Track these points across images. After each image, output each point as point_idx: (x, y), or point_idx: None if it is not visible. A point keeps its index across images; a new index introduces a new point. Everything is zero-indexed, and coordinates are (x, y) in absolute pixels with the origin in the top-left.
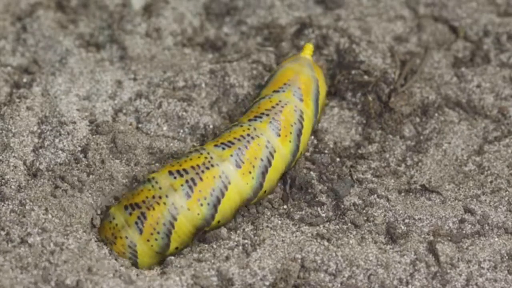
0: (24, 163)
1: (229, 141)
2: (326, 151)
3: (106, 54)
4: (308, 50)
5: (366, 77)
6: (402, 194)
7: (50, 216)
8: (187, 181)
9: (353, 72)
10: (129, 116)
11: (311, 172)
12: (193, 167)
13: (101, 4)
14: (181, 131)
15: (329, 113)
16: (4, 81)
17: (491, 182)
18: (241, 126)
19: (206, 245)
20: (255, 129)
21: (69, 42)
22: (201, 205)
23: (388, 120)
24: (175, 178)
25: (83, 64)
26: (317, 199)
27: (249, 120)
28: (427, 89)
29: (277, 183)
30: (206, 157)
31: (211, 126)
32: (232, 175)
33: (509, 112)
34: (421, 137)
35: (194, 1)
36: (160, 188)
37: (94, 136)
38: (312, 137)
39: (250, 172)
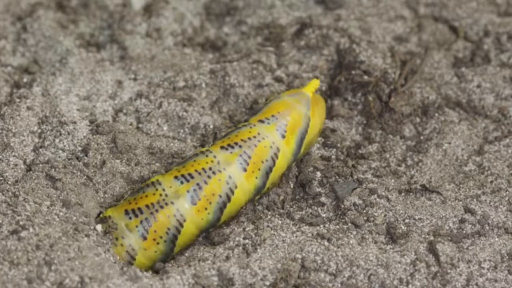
0: (25, 162)
1: (189, 174)
2: (332, 151)
3: (106, 54)
4: (312, 87)
5: (366, 77)
6: (402, 194)
7: (47, 212)
8: (141, 222)
9: (353, 72)
10: (130, 116)
11: (316, 172)
12: (147, 206)
13: (101, 4)
14: (181, 131)
15: (329, 113)
16: (4, 81)
17: (491, 182)
18: (207, 156)
19: (206, 245)
20: (219, 162)
21: (70, 42)
22: (158, 243)
23: (388, 120)
24: (130, 218)
25: (83, 64)
26: (317, 199)
27: (221, 147)
28: (427, 89)
29: (238, 211)
30: (161, 194)
31: (211, 126)
32: (186, 213)
33: (509, 112)
34: (421, 137)
35: (194, 1)
36: (116, 229)
37: (94, 136)
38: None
39: (206, 209)
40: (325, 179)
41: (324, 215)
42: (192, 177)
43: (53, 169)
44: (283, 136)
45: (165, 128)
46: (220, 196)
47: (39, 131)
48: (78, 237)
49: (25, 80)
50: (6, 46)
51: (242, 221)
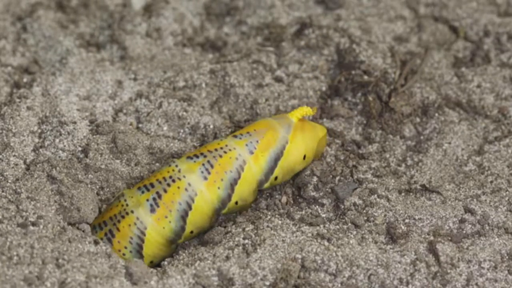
0: (25, 162)
1: (151, 183)
2: (332, 151)
3: (106, 54)
4: (298, 112)
5: (366, 77)
6: (402, 194)
7: (48, 212)
8: (106, 234)
9: (353, 72)
10: (129, 116)
11: (314, 172)
12: (111, 218)
13: (101, 4)
14: (182, 131)
15: (329, 113)
16: (4, 81)
17: (491, 182)
18: (170, 165)
19: (206, 245)
20: (180, 170)
21: (69, 42)
22: (124, 254)
23: (388, 120)
24: (96, 232)
25: (83, 64)
26: (317, 199)
27: (188, 157)
28: (427, 89)
29: (209, 222)
30: (122, 205)
31: (211, 126)
32: (146, 220)
33: (509, 112)
34: (421, 137)
35: (194, 1)
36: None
37: (94, 136)
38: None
39: (166, 217)
40: (321, 184)
41: (324, 215)
42: (152, 186)
43: (53, 169)
44: (252, 152)
45: (165, 128)
46: (180, 204)
47: (39, 131)
48: (77, 237)
49: (25, 80)
50: (6, 46)
51: (242, 221)
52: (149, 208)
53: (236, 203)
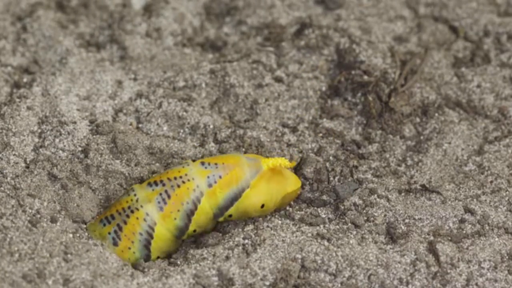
0: (25, 161)
1: (111, 215)
2: (330, 150)
3: (106, 54)
4: (271, 162)
5: (366, 77)
6: (402, 194)
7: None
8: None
9: (353, 72)
10: (129, 116)
11: (313, 172)
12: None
13: (101, 4)
14: (181, 131)
15: (329, 113)
16: (4, 81)
17: (491, 182)
18: (129, 194)
19: (206, 245)
20: (137, 200)
21: (69, 42)
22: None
23: (388, 120)
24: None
25: (83, 64)
26: (317, 199)
27: (148, 184)
28: (427, 89)
29: (175, 245)
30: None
31: (211, 126)
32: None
33: (509, 112)
34: (421, 137)
35: (194, 1)
36: None
37: (94, 136)
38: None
39: (129, 248)
40: (317, 184)
41: (324, 215)
42: (113, 218)
43: (54, 169)
44: (211, 186)
45: (165, 128)
46: (141, 234)
47: (39, 131)
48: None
49: (25, 80)
50: (6, 46)
51: (241, 221)
52: (112, 241)
53: (195, 231)
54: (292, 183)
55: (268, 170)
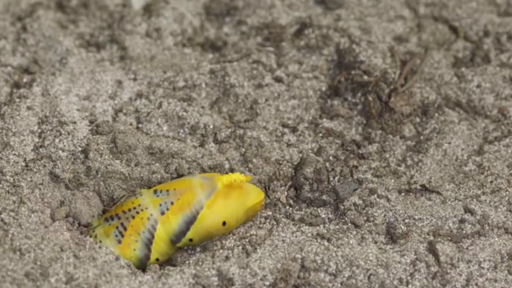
0: (24, 161)
1: None
2: (330, 150)
3: (106, 54)
4: (226, 179)
5: (366, 77)
6: (402, 194)
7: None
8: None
9: (353, 72)
10: (129, 116)
11: (313, 172)
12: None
13: (101, 4)
14: (181, 131)
15: (329, 113)
16: (4, 81)
17: (491, 182)
18: (88, 231)
19: (206, 245)
20: (96, 236)
21: (69, 42)
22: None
23: (388, 120)
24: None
25: (83, 64)
26: (317, 199)
27: (106, 219)
28: (427, 89)
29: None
30: None
31: (211, 126)
32: None
33: (509, 112)
34: (421, 137)
35: (194, 1)
36: None
37: (94, 136)
38: (317, 137)
39: None
40: (318, 183)
41: (324, 215)
42: None
43: (54, 168)
44: (163, 213)
45: (165, 128)
46: None
47: (39, 131)
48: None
49: (25, 80)
50: (6, 46)
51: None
52: None
53: (157, 259)
54: (254, 196)
55: (224, 187)
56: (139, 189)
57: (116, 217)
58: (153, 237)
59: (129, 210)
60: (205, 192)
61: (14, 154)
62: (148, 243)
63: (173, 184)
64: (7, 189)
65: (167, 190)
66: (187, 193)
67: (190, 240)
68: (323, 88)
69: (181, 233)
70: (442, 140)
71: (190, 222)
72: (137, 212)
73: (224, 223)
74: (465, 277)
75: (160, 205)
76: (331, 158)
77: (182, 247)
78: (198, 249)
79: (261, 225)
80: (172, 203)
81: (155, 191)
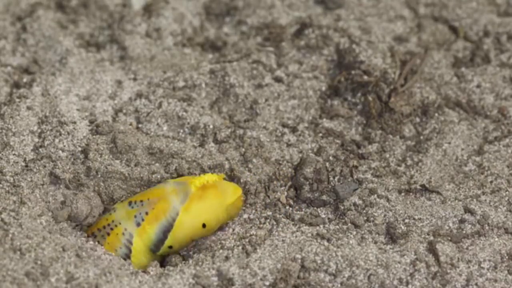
0: (24, 161)
1: None
2: (330, 150)
3: (106, 54)
4: (198, 181)
5: (366, 77)
6: (402, 194)
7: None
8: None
9: (353, 72)
10: (129, 116)
11: (313, 172)
12: None
13: (101, 4)
14: (181, 131)
15: (329, 113)
16: (4, 81)
17: (491, 182)
18: None
19: (206, 245)
20: None
21: (69, 42)
22: None
23: (388, 120)
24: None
25: (83, 64)
26: (317, 199)
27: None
28: (427, 89)
29: None
30: None
31: (211, 126)
32: None
33: (509, 112)
34: (421, 137)
35: (194, 1)
36: None
37: (94, 136)
38: (317, 137)
39: None
40: (318, 183)
41: (324, 215)
42: None
43: (54, 169)
44: (139, 224)
45: (164, 128)
46: None
47: (39, 131)
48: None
49: (25, 80)
50: (6, 46)
51: (241, 221)
52: None
53: (142, 270)
54: (231, 193)
55: (198, 190)
56: (112, 204)
57: (92, 235)
58: (130, 251)
59: (104, 227)
60: (179, 197)
61: (14, 154)
62: (127, 257)
63: (147, 193)
64: (7, 189)
65: (141, 201)
66: (161, 201)
67: (170, 247)
68: (323, 88)
69: (159, 242)
70: (442, 140)
71: (167, 230)
72: (111, 229)
73: (204, 225)
74: (465, 277)
75: (135, 216)
76: (331, 158)
77: (164, 254)
78: (198, 249)
79: (261, 225)
80: (146, 213)
81: (130, 203)
